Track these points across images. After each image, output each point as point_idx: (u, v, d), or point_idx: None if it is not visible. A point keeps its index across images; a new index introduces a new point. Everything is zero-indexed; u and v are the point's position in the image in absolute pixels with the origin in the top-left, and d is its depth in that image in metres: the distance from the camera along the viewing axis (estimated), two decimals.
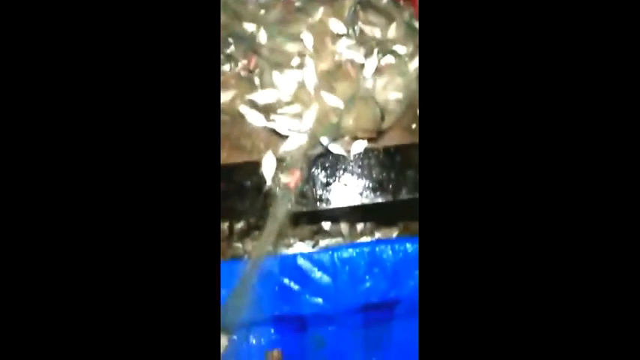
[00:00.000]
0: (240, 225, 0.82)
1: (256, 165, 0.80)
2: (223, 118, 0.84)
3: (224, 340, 0.66)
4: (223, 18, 0.87)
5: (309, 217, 0.82)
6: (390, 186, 0.81)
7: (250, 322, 0.68)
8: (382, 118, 0.84)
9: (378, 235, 0.85)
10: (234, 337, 0.65)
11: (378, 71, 0.88)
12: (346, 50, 0.89)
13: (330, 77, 0.87)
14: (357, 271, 0.73)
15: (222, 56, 0.86)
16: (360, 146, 0.83)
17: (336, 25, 0.90)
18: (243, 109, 0.84)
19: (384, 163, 0.83)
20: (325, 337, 0.70)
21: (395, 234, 0.85)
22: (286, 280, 0.72)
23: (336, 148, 0.82)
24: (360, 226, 0.84)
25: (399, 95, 0.84)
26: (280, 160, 0.81)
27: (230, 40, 0.88)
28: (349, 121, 0.84)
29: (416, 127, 0.83)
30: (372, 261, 0.74)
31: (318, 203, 0.80)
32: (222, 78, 0.85)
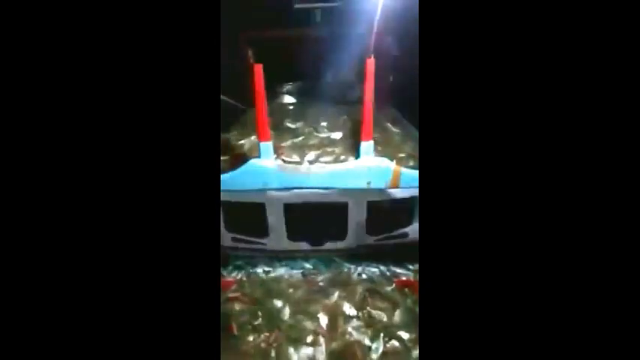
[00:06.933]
0: None
1: None
2: None
3: None
4: (259, 293, 1.09)
5: None
6: None
7: None
8: None
9: None
10: None
11: (384, 355, 0.96)
12: (355, 332, 1.01)
13: (340, 357, 0.96)
14: None
15: (247, 329, 1.02)
16: None
17: (349, 308, 1.07)
18: None
19: None
20: None
21: None
22: None
23: None
24: None
25: None
26: None
27: (260, 318, 1.05)
28: None
29: None
30: None
31: None
32: (243, 348, 0.97)
